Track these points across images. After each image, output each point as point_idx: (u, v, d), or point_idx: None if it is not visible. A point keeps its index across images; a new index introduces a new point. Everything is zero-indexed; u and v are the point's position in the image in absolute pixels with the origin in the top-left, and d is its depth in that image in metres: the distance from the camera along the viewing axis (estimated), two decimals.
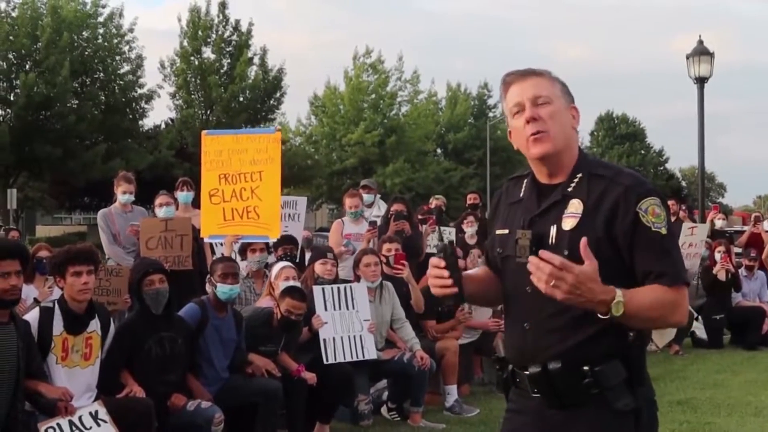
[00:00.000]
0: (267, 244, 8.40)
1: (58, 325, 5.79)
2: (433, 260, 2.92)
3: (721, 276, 12.55)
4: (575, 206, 2.80)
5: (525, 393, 2.90)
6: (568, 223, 2.77)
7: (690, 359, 11.43)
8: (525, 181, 3.00)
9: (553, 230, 2.80)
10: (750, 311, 12.64)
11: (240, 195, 8.28)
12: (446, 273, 2.86)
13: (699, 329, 12.72)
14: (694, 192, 51.99)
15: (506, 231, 2.95)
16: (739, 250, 14.60)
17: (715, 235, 14.94)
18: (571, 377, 2.78)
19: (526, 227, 2.86)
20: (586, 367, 2.75)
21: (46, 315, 5.80)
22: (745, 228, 15.87)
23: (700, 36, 18.47)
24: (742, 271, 13.08)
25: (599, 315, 2.64)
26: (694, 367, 10.74)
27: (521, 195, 2.98)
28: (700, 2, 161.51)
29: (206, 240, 8.61)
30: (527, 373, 2.86)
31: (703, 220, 16.49)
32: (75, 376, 5.83)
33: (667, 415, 8.02)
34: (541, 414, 2.87)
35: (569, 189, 2.85)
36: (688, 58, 18.14)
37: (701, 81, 17.96)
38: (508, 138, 3.02)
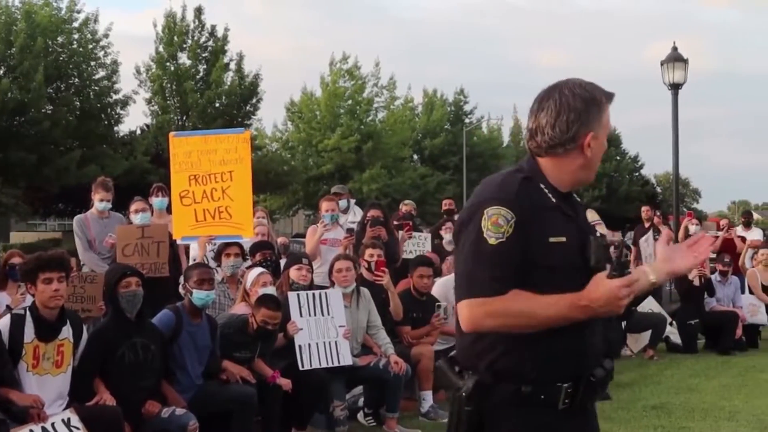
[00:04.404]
0: (242, 249, 8.38)
1: (29, 332, 5.74)
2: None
3: (696, 281, 12.63)
4: (594, 214, 2.90)
5: (545, 410, 2.84)
6: (602, 229, 2.87)
7: (664, 364, 11.49)
8: (541, 185, 2.93)
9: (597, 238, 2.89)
10: (724, 316, 12.72)
11: (211, 195, 8.27)
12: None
13: (673, 334, 12.81)
14: (669, 198, 52.37)
15: (563, 239, 2.84)
16: (714, 256, 14.70)
17: None
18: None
19: (591, 234, 2.92)
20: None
21: (18, 322, 5.75)
22: (720, 233, 15.95)
23: (674, 42, 18.64)
24: (716, 277, 13.17)
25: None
26: (669, 372, 10.80)
27: (554, 200, 2.91)
28: (674, 9, 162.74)
29: (179, 242, 8.57)
30: (593, 378, 2.89)
31: (677, 226, 16.62)
32: (46, 383, 5.79)
33: (642, 419, 8.08)
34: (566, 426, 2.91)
35: (578, 199, 3.02)
36: (662, 64, 18.27)
37: (675, 87, 18.09)
38: (585, 141, 2.93)
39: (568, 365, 2.86)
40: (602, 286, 2.72)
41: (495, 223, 2.75)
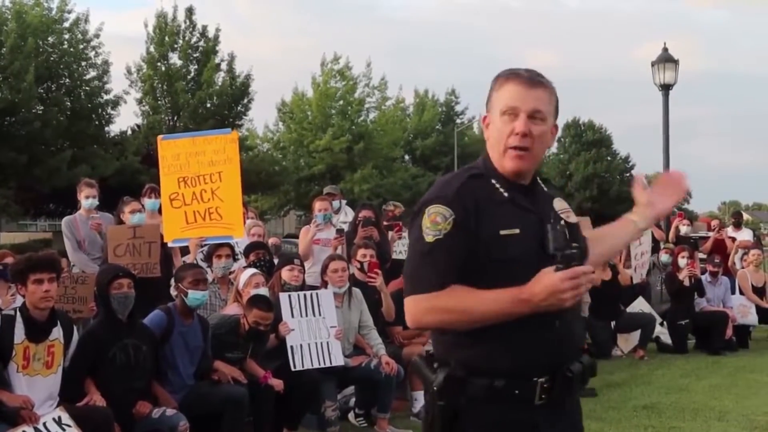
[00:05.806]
0: (233, 250, 8.37)
1: (19, 333, 5.73)
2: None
3: (687, 282, 12.66)
4: (562, 203, 2.97)
5: (520, 406, 2.78)
6: (572, 217, 2.90)
7: (655, 364, 11.51)
8: (492, 180, 2.89)
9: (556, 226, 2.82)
10: (714, 316, 12.74)
11: (200, 197, 8.28)
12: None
13: (664, 334, 12.83)
14: None
15: (516, 231, 2.79)
16: (704, 256, 14.75)
17: (679, 241, 15.09)
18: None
19: (551, 222, 2.83)
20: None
21: (8, 323, 5.74)
22: (710, 234, 16.01)
23: (664, 43, 18.73)
24: (706, 277, 13.20)
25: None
26: (659, 372, 10.82)
27: (506, 194, 2.86)
28: (664, 10, 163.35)
29: (170, 244, 8.56)
30: (569, 374, 2.81)
31: (668, 226, 16.66)
32: (36, 384, 5.78)
33: (632, 419, 8.10)
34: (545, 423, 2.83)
35: (545, 189, 2.99)
36: (653, 65, 18.36)
37: (666, 88, 18.18)
38: (482, 123, 2.96)
39: (541, 358, 2.78)
40: (543, 280, 2.65)
41: (433, 221, 2.75)
